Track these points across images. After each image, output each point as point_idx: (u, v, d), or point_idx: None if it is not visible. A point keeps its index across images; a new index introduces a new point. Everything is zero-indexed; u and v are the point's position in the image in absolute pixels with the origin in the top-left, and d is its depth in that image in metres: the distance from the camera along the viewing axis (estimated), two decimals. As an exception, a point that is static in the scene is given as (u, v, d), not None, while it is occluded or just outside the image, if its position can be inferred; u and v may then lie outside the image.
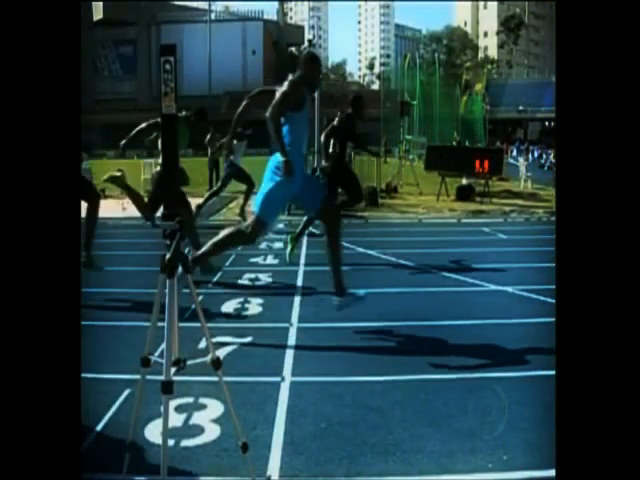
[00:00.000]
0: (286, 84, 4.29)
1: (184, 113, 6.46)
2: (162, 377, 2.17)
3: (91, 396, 3.14)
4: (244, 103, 4.72)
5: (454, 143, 29.35)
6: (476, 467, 2.61)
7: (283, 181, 4.16)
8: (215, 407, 3.12)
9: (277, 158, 4.20)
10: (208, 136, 12.45)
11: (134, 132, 6.37)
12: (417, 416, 3.10)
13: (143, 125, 6.46)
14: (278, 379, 3.57)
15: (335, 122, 7.70)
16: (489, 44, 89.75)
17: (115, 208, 11.03)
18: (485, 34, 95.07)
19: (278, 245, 8.27)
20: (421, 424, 3.01)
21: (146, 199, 6.69)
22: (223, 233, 4.51)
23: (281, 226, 9.94)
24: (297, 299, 5.44)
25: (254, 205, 4.39)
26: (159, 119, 6.21)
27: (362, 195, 8.26)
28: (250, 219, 4.42)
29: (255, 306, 5.20)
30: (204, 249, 4.56)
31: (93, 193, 5.61)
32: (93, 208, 5.53)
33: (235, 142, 10.30)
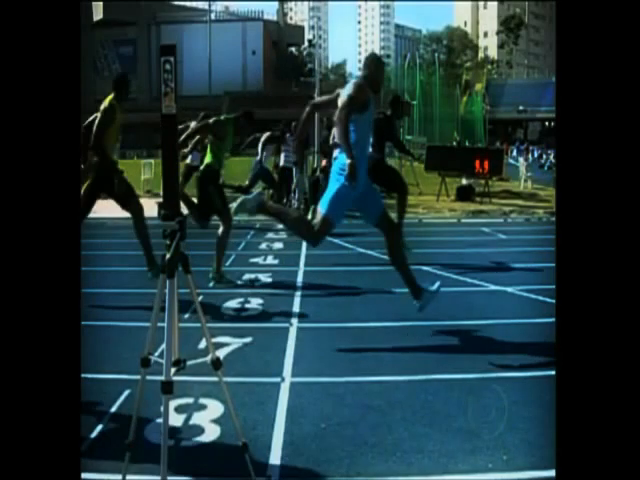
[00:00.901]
0: (351, 86, 4.29)
1: (232, 115, 6.28)
2: (162, 377, 2.17)
3: (91, 396, 3.14)
4: (307, 110, 4.67)
5: (454, 143, 29.41)
6: (476, 467, 2.61)
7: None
8: (215, 407, 3.12)
9: (343, 159, 4.17)
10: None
11: (181, 139, 5.85)
12: (417, 416, 3.10)
13: (189, 131, 6.14)
14: (278, 379, 3.57)
15: None
16: (489, 44, 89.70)
17: (115, 208, 11.00)
18: (485, 34, 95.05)
19: (278, 245, 8.27)
20: (421, 424, 3.01)
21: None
22: (295, 214, 4.43)
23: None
24: (297, 299, 5.44)
25: (321, 205, 4.37)
26: (210, 121, 6.03)
27: (406, 185, 8.32)
28: (317, 217, 4.37)
29: (255, 306, 5.20)
30: (274, 207, 4.46)
31: (136, 201, 5.57)
32: (138, 216, 5.48)
33: (260, 145, 10.54)
